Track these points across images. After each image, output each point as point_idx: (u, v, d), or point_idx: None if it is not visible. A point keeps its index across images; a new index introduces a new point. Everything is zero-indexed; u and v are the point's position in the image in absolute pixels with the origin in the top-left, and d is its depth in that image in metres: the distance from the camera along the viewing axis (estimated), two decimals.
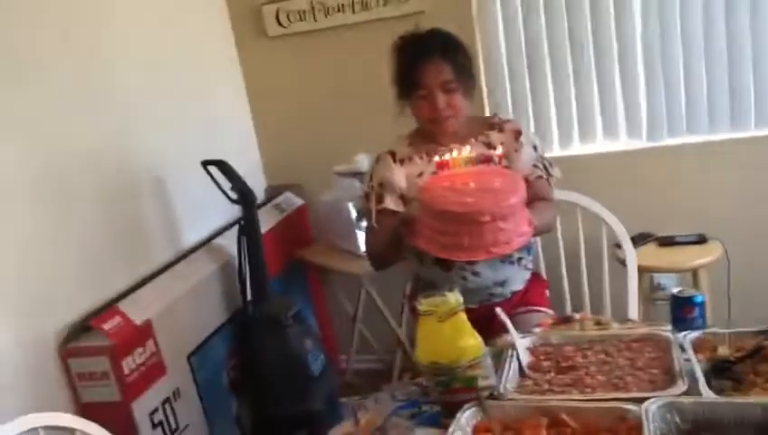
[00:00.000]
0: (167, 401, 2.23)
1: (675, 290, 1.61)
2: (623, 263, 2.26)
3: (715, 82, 2.70)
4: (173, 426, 2.25)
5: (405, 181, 1.91)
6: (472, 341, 1.43)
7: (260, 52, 3.13)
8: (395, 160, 1.93)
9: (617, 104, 2.82)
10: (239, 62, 3.17)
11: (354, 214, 2.81)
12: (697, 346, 1.46)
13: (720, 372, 1.37)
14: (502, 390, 1.42)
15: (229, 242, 2.65)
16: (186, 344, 2.38)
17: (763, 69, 2.64)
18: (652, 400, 1.27)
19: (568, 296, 2.28)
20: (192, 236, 2.67)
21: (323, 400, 2.59)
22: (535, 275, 2.05)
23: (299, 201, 3.23)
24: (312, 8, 2.99)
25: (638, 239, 2.63)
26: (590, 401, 1.34)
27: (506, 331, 1.61)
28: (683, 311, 1.58)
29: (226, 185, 2.56)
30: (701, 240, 2.60)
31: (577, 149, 2.90)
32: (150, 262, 2.44)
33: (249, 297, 2.62)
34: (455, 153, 1.66)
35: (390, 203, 1.89)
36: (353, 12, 2.95)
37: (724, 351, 1.43)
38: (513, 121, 2.00)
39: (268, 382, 2.55)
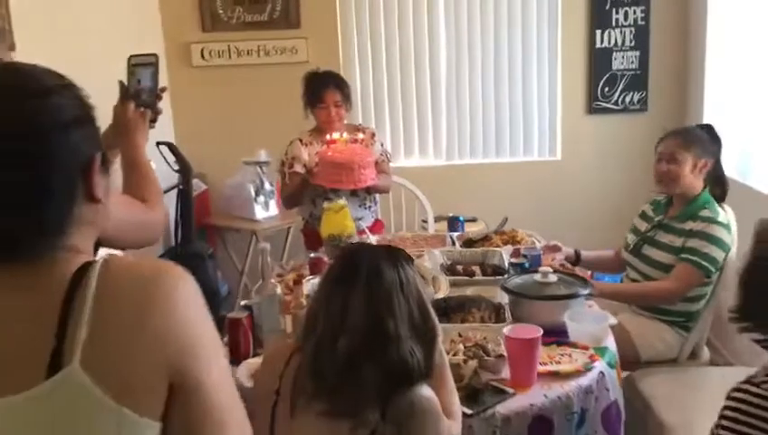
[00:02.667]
0: None
1: (450, 214, 3.13)
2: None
3: (488, 122, 4.37)
4: None
5: (308, 157, 3.26)
6: (351, 224, 2.81)
7: (186, 76, 4.34)
8: (302, 143, 3.28)
9: (428, 133, 4.40)
10: (168, 84, 4.34)
11: (253, 192, 4.08)
12: (459, 238, 2.96)
13: (469, 244, 2.87)
14: None
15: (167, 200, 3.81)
16: None
17: (514, 117, 4.36)
18: (436, 250, 2.74)
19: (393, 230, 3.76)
20: None
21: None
22: (378, 220, 3.47)
23: (203, 186, 4.43)
24: (228, 50, 4.29)
25: (437, 218, 4.16)
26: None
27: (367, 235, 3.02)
28: (454, 223, 3.09)
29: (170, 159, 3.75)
30: (473, 220, 4.18)
31: (402, 162, 4.42)
32: None
33: (179, 239, 3.79)
34: (337, 135, 3.07)
35: (298, 168, 3.23)
36: (258, 56, 4.28)
37: (472, 237, 2.93)
38: (371, 128, 3.46)
39: None
